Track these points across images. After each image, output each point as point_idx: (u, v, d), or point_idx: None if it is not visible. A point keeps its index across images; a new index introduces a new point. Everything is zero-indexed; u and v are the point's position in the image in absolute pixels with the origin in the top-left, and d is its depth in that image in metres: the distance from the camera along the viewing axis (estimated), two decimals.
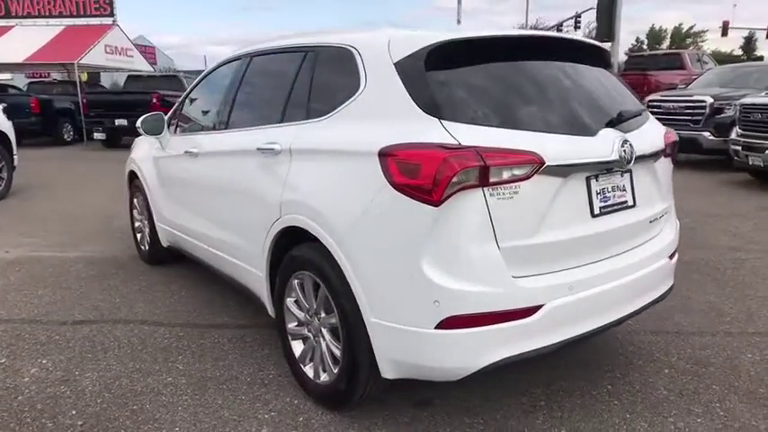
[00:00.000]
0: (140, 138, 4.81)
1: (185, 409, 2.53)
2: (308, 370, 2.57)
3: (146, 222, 4.55)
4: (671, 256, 2.64)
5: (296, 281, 2.56)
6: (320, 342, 2.48)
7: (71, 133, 15.41)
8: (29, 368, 2.90)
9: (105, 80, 21.72)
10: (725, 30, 34.14)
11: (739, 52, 53.07)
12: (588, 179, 2.19)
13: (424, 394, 2.57)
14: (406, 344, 2.04)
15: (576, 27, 33.20)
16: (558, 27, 34.73)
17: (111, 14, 17.43)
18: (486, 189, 1.92)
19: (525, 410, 2.48)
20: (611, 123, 2.32)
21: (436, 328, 1.95)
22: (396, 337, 2.05)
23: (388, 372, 2.14)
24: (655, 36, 55.04)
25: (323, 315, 2.44)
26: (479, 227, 1.94)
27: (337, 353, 2.35)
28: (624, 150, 2.23)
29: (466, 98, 2.09)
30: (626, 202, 2.36)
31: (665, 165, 2.64)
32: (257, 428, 2.37)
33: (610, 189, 2.28)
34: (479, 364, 1.99)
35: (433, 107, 2.03)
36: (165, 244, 4.28)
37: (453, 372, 2.02)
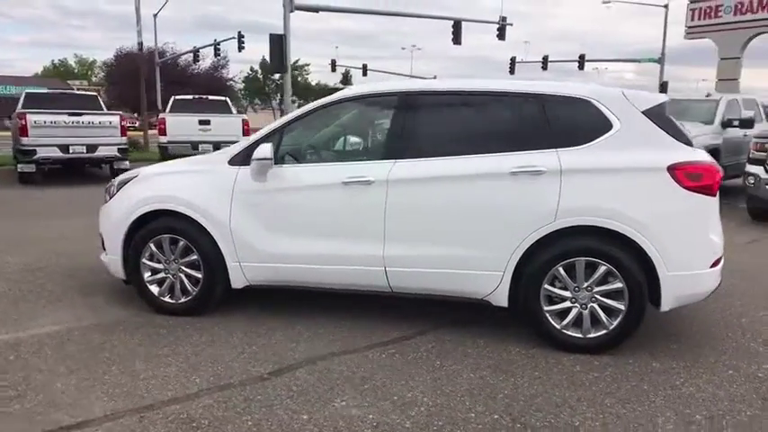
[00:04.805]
0: (165, 172, 4.20)
1: (562, 386, 3.08)
2: (574, 332, 3.48)
3: (182, 269, 4.03)
4: None
5: (560, 267, 3.43)
6: (591, 307, 3.43)
7: None
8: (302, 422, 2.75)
9: None
10: (333, 66, 41.85)
11: (341, 85, 64.37)
12: None
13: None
14: (689, 282, 3.36)
15: (217, 54, 34.66)
16: (196, 53, 35.44)
17: None
18: None
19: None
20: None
21: (710, 267, 3.37)
22: (683, 280, 3.33)
23: (668, 305, 3.38)
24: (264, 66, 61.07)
25: (595, 287, 3.41)
26: (717, 206, 3.45)
27: (620, 307, 3.37)
28: None
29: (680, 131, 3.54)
30: None
31: None
32: (599, 375, 3.20)
33: None
34: (714, 286, 3.48)
35: (682, 139, 3.42)
36: (241, 285, 3.99)
37: (707, 293, 3.46)
